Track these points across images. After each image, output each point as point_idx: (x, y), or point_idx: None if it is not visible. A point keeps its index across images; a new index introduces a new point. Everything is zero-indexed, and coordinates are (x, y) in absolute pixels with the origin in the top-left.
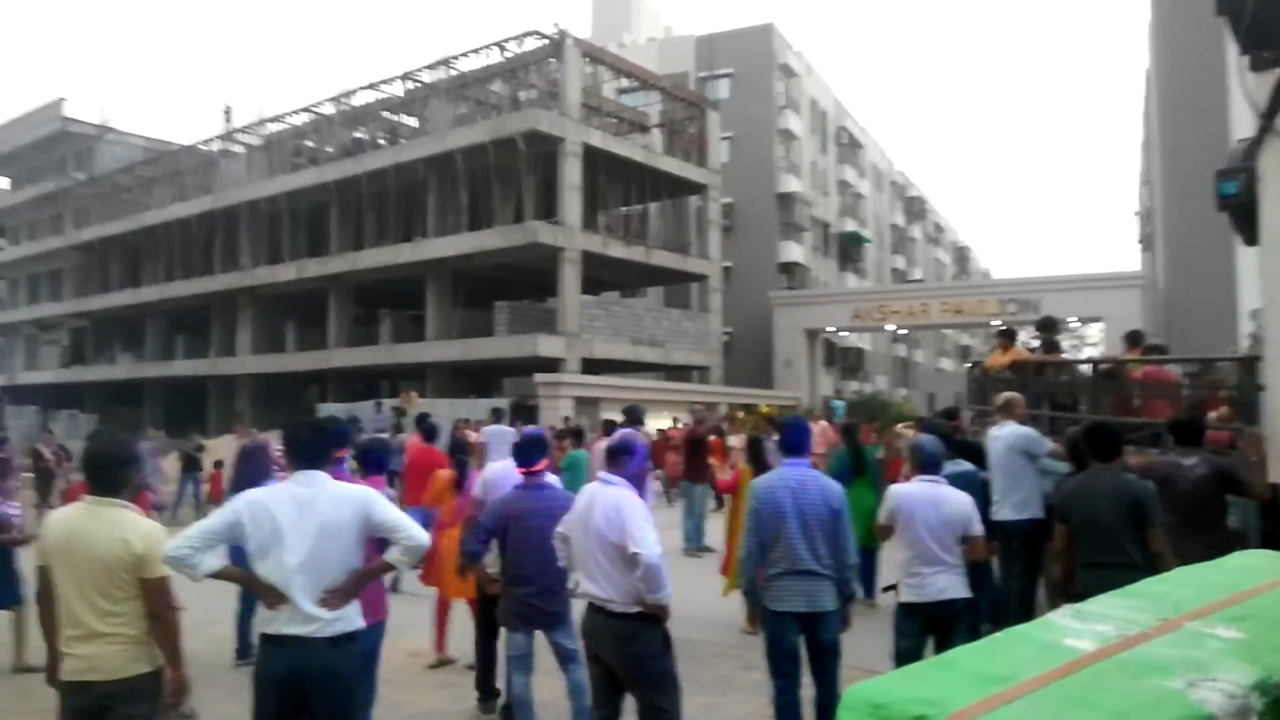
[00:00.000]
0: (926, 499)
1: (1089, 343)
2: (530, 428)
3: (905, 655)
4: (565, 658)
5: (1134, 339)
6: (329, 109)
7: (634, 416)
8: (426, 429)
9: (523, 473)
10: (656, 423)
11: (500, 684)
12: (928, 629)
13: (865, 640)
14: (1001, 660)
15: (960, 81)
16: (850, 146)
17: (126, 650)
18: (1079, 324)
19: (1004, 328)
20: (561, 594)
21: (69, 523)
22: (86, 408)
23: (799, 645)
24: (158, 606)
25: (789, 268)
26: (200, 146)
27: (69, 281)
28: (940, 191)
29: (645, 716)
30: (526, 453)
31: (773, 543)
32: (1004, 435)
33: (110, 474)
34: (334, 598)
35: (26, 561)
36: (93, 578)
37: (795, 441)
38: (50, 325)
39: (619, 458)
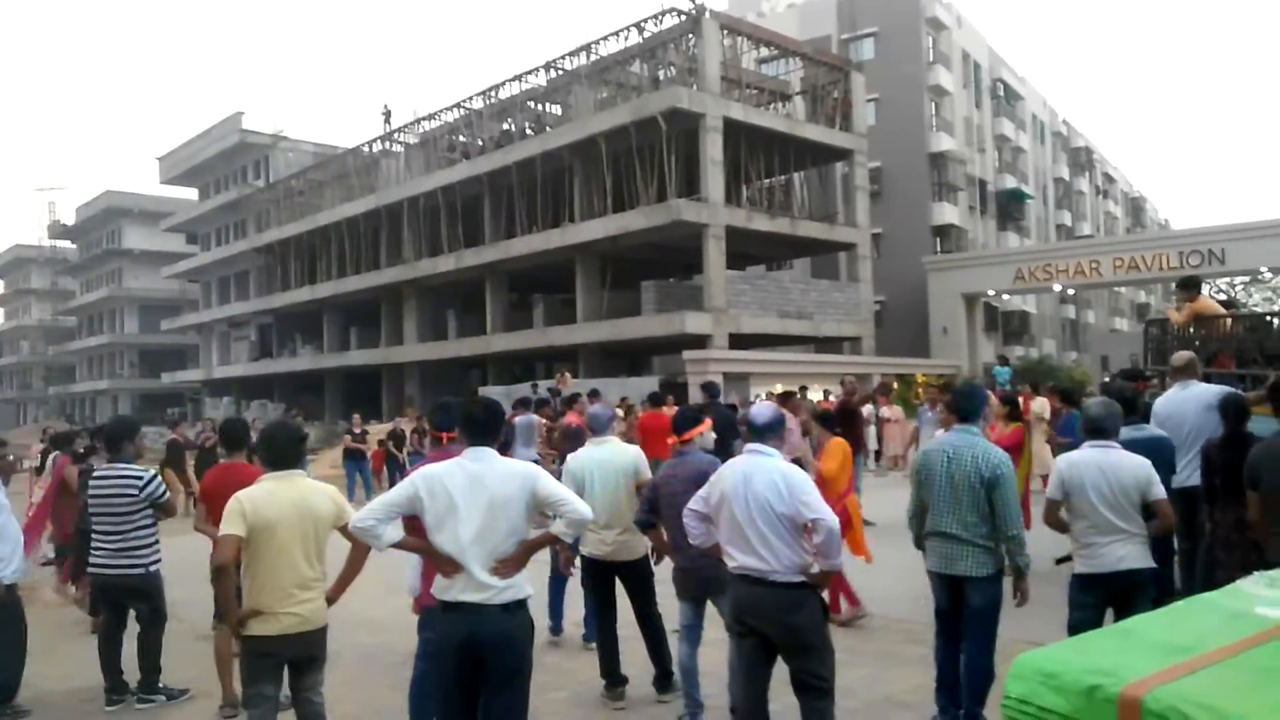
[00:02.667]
0: (1095, 465)
1: None
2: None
3: (1080, 629)
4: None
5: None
6: (478, 103)
7: (712, 391)
8: (654, 397)
9: (677, 442)
10: (811, 396)
11: (627, 669)
12: (1106, 602)
13: (1035, 612)
14: (1185, 629)
15: (1131, 15)
16: (1007, 99)
17: (322, 600)
18: (1270, 275)
19: (1185, 278)
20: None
21: (282, 494)
22: (275, 397)
23: (948, 603)
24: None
25: (943, 230)
26: (364, 148)
27: (254, 281)
28: (1111, 139)
29: (801, 686)
30: (679, 423)
31: (928, 504)
32: (1193, 395)
33: (294, 450)
34: (505, 567)
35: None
36: (316, 537)
37: (964, 408)
38: (240, 322)
39: (774, 430)
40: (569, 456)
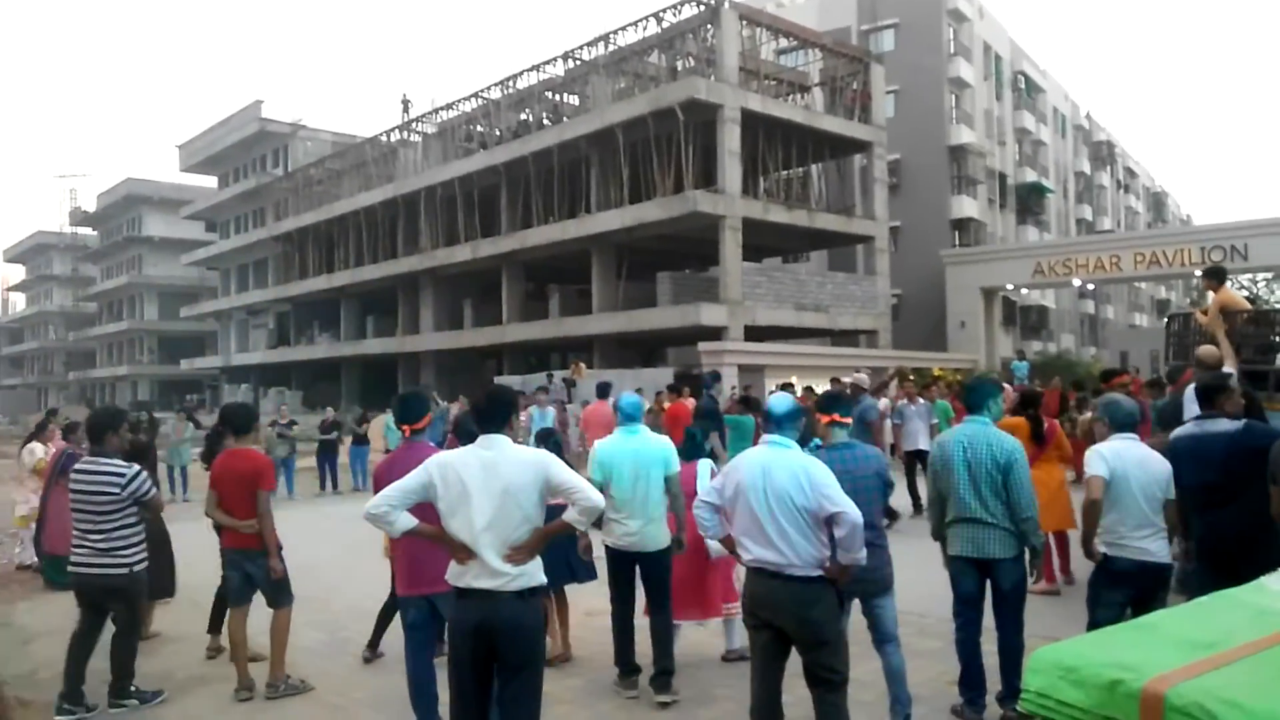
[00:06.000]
0: (1134, 458)
1: None
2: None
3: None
4: None
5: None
6: (496, 94)
7: (706, 382)
8: (672, 388)
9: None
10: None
11: (640, 659)
12: (1130, 599)
13: (1053, 608)
14: (1209, 625)
15: (1154, 8)
16: (1028, 91)
17: None
18: None
19: (1210, 267)
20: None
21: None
22: (292, 384)
23: (976, 589)
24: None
25: (962, 224)
26: (382, 138)
27: (272, 269)
28: (1133, 133)
29: (815, 679)
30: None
31: (947, 494)
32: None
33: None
34: (518, 554)
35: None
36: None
37: (972, 400)
38: (258, 310)
39: (793, 421)
40: (597, 443)
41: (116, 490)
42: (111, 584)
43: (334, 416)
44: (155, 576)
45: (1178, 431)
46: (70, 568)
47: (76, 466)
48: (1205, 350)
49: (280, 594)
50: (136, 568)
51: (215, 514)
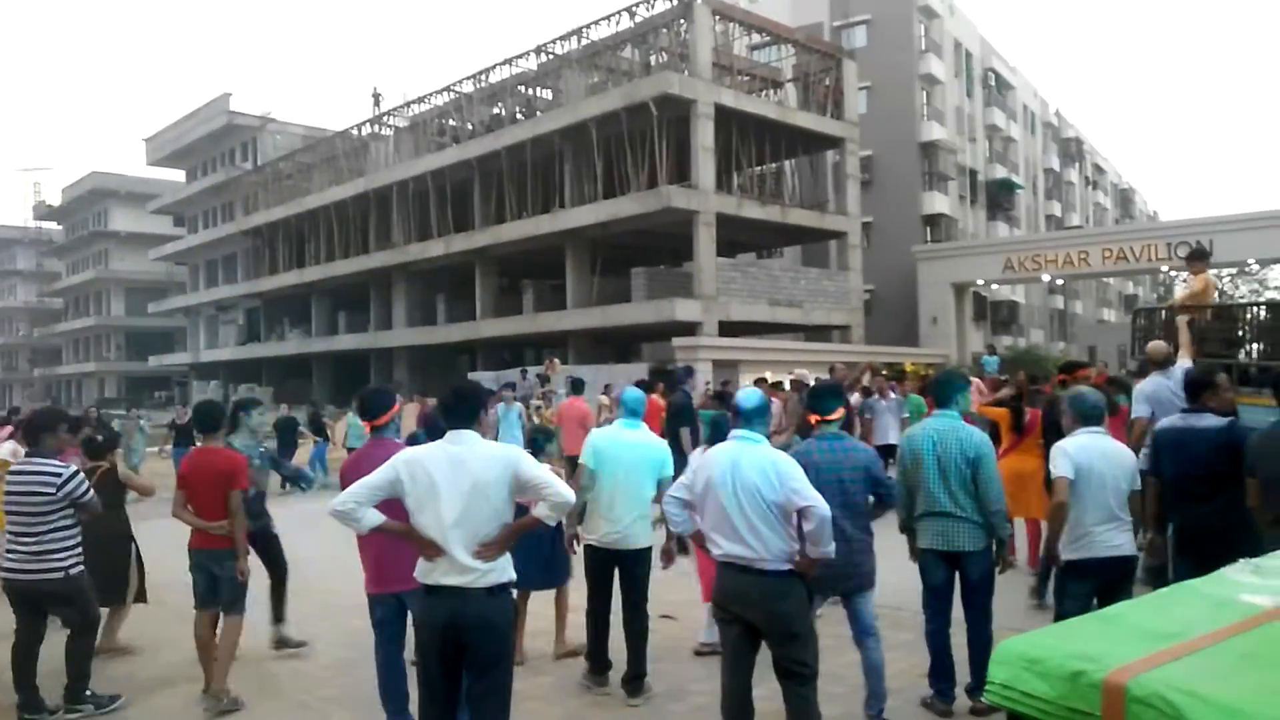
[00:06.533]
0: (1099, 450)
1: (1271, 286)
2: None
3: (1071, 617)
4: None
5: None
6: (468, 87)
7: (679, 377)
8: (643, 384)
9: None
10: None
11: (613, 656)
12: (1096, 591)
13: (1017, 600)
14: (1169, 616)
15: (1122, 6)
16: (998, 88)
17: None
18: (1258, 266)
19: (1195, 249)
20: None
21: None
22: (263, 381)
23: (945, 581)
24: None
25: (933, 220)
26: (353, 131)
27: (242, 265)
28: (1101, 130)
29: (785, 672)
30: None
31: (917, 487)
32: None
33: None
34: (488, 550)
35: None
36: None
37: (941, 394)
38: (227, 306)
39: (762, 415)
40: (594, 432)
41: (51, 491)
42: (47, 589)
43: (286, 413)
44: (104, 583)
45: (1163, 423)
46: (3, 574)
47: (12, 468)
48: (1154, 346)
49: (236, 601)
50: (72, 570)
51: (182, 514)
